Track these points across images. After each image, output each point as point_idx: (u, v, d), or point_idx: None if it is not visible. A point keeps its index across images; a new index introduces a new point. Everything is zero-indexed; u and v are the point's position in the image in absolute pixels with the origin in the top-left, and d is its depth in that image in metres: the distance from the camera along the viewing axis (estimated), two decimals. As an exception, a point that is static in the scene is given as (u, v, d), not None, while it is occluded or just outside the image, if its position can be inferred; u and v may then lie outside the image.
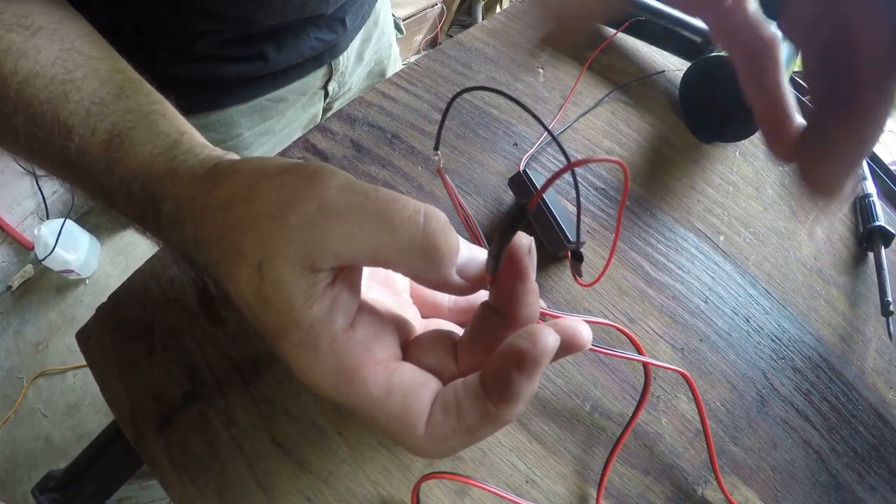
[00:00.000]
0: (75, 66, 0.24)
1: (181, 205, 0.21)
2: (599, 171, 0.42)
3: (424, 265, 0.17)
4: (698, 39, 0.44)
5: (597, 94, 0.46)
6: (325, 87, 0.53)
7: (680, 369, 0.32)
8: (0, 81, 0.23)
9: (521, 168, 0.36)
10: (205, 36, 0.40)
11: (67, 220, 1.30)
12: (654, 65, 0.49)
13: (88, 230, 1.39)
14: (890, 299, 0.39)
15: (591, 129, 0.44)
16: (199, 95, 0.43)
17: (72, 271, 1.32)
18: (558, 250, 0.35)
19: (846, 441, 0.36)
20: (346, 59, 0.52)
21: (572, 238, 0.34)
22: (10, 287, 1.34)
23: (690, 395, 0.35)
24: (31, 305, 1.33)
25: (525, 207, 0.15)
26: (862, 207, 0.44)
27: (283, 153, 0.40)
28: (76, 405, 1.19)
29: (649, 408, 0.34)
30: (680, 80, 0.44)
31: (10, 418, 1.17)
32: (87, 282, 1.39)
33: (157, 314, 0.35)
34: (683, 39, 0.45)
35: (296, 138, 0.42)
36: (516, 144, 0.43)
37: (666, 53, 0.49)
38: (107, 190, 0.23)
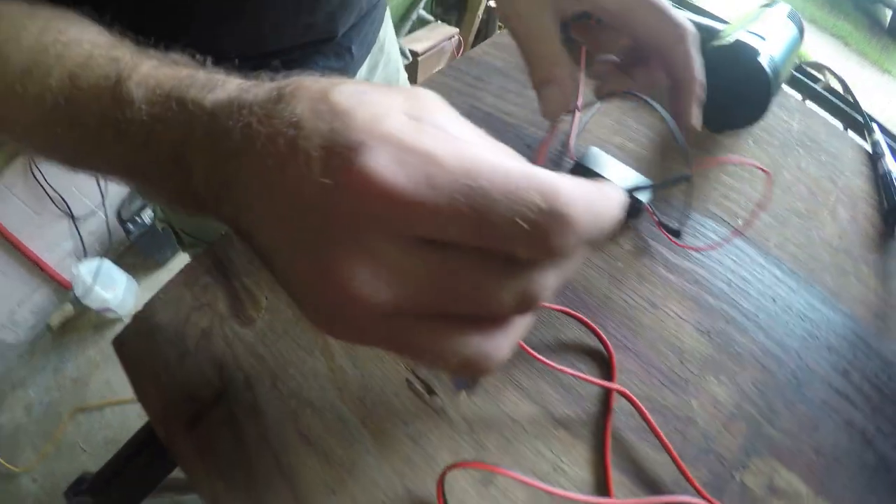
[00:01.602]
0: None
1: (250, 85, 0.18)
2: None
3: None
4: (701, 34, 0.45)
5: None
6: None
7: (617, 386, 0.32)
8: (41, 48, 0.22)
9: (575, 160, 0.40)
10: (220, 65, 0.43)
11: (105, 259, 1.36)
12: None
13: (125, 270, 1.45)
14: (925, 274, 0.38)
15: (602, 127, 0.45)
16: None
17: (110, 309, 1.37)
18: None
19: (891, 421, 0.35)
20: None
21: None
22: (49, 326, 1.40)
23: (721, 378, 0.34)
24: (70, 343, 1.38)
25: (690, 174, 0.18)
26: (884, 185, 0.43)
27: None
28: (114, 440, 1.22)
29: (679, 392, 0.33)
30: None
31: (51, 453, 1.20)
32: (124, 320, 1.44)
33: (190, 319, 0.37)
34: (684, 35, 0.46)
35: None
36: (529, 146, 0.44)
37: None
38: (148, 89, 0.20)
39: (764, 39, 0.41)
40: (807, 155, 0.45)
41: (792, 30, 0.44)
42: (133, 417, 1.24)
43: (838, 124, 0.52)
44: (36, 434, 1.25)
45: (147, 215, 1.42)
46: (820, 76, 0.53)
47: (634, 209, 0.37)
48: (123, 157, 0.20)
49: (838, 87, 0.52)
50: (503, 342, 0.17)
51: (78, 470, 1.19)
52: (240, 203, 0.16)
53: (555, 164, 0.42)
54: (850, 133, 0.51)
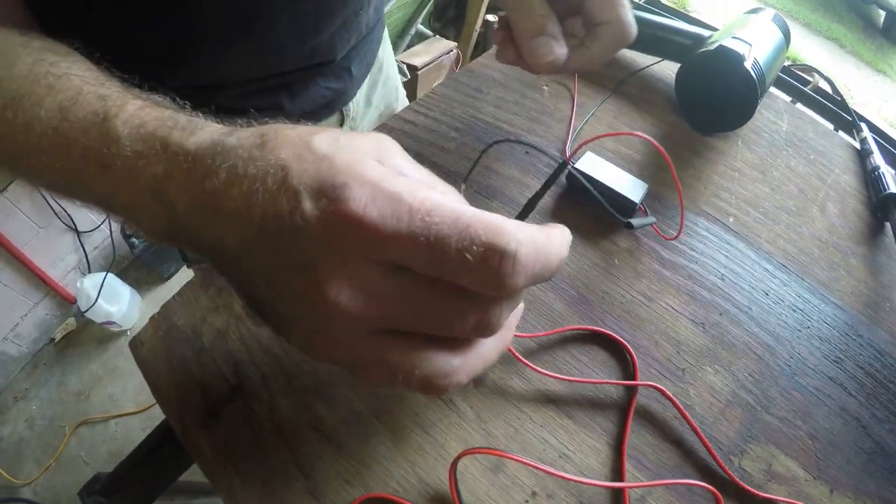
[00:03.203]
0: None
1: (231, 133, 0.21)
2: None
3: None
4: (689, 42, 0.48)
5: (596, 101, 0.49)
6: None
7: (652, 384, 0.34)
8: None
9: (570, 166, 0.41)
10: (224, 89, 0.44)
11: (109, 273, 1.38)
12: (641, 65, 0.52)
13: (129, 284, 1.47)
14: (912, 264, 0.39)
15: (597, 132, 0.48)
16: None
17: (113, 322, 1.39)
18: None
19: (886, 407, 0.36)
20: (356, 104, 0.57)
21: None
22: (52, 339, 1.41)
23: (716, 367, 0.36)
24: (73, 357, 1.40)
25: (566, 161, 0.21)
26: (872, 180, 0.45)
27: None
28: (118, 452, 1.22)
29: (676, 381, 0.35)
30: (674, 80, 0.48)
31: (52, 466, 1.20)
32: (128, 333, 1.45)
33: (207, 319, 0.39)
34: (673, 44, 0.48)
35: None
36: (527, 153, 0.46)
37: (654, 58, 0.52)
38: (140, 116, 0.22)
39: (750, 45, 0.43)
40: (796, 154, 0.47)
41: (777, 34, 0.47)
42: (137, 430, 1.25)
43: (828, 124, 0.54)
44: (38, 447, 1.26)
45: (150, 228, 1.44)
46: (809, 78, 0.55)
47: (628, 210, 0.39)
48: (104, 188, 0.22)
49: (827, 88, 0.54)
50: (460, 364, 0.20)
51: (80, 483, 1.19)
52: (226, 231, 0.19)
53: (550, 170, 0.45)
54: (841, 133, 0.54)
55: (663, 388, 0.33)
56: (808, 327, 0.39)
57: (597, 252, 0.40)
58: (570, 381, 0.34)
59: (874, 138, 0.48)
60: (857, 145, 0.49)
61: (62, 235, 1.35)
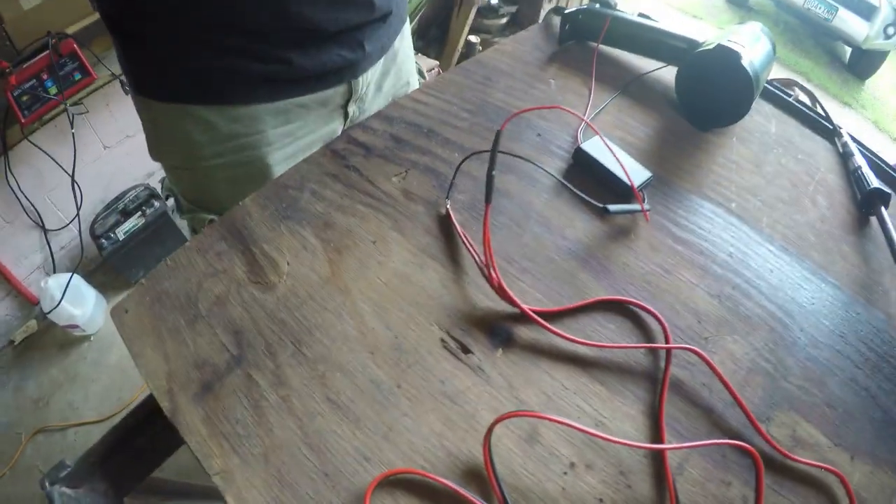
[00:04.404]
0: None
1: None
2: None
3: None
4: (685, 46, 0.48)
5: (602, 97, 0.48)
6: (345, 108, 0.55)
7: (692, 347, 0.32)
8: None
9: (581, 144, 0.41)
10: (234, 30, 0.42)
11: (75, 275, 1.24)
12: (644, 68, 0.52)
13: (95, 287, 1.33)
14: (900, 249, 0.39)
15: (603, 124, 0.46)
16: (230, 85, 0.45)
17: (77, 326, 1.24)
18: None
19: (890, 380, 0.35)
20: (366, 83, 0.54)
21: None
22: (12, 341, 1.25)
23: (735, 337, 0.34)
24: (32, 361, 1.24)
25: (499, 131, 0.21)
26: (856, 179, 0.46)
27: (328, 145, 0.42)
28: (73, 463, 1.07)
29: (700, 349, 0.32)
30: (674, 79, 0.47)
31: (6, 475, 1.04)
32: (91, 339, 1.30)
33: (203, 285, 0.33)
34: (669, 47, 0.48)
35: (316, 148, 0.42)
36: (539, 135, 0.44)
37: (656, 64, 0.52)
38: None
39: (744, 46, 0.43)
40: (785, 153, 0.47)
41: (766, 43, 0.47)
42: (96, 441, 1.10)
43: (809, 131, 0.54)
44: (-10, 456, 1.09)
45: (121, 231, 1.31)
46: (790, 91, 0.56)
47: (625, 192, 0.38)
48: None
49: (807, 101, 0.55)
50: None
51: (35, 495, 1.03)
52: None
53: (564, 151, 0.43)
54: (820, 138, 0.54)
55: (700, 351, 0.31)
56: (813, 303, 0.37)
57: (612, 225, 0.38)
58: (605, 347, 0.31)
59: (854, 140, 0.49)
60: (840, 149, 0.50)
61: (28, 232, 1.21)
